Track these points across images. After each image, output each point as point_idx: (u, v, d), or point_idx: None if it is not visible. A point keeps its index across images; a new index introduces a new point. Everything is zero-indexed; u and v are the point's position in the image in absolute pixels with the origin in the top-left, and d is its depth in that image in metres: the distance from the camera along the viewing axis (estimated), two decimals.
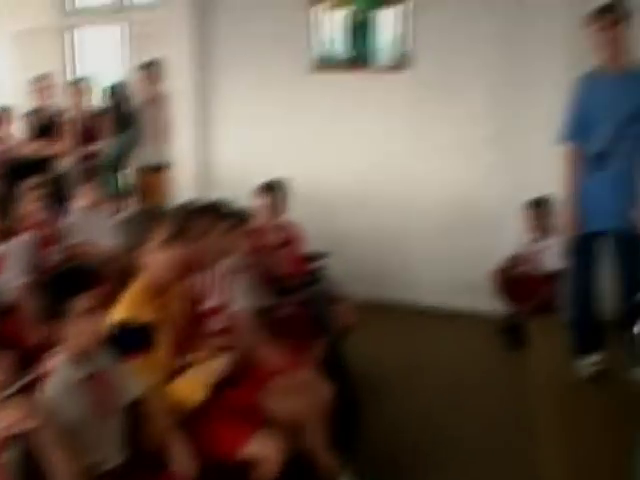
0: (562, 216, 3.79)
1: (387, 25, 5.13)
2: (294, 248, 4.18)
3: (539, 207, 4.75)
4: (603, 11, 3.59)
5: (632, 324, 3.34)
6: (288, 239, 4.17)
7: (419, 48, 5.04)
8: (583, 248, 3.70)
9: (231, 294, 3.11)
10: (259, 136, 5.54)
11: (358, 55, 5.23)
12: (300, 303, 3.64)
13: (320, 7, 5.25)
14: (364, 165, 5.29)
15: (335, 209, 5.39)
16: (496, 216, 4.95)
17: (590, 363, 3.75)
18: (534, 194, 4.77)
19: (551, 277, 4.60)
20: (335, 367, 3.19)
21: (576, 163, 3.67)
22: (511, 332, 4.66)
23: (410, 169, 5.18)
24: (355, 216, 5.35)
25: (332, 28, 5.28)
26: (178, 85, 5.68)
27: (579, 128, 3.64)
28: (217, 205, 3.19)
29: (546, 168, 4.61)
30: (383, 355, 4.40)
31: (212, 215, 3.04)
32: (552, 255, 4.63)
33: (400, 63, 5.13)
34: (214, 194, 5.16)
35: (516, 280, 4.77)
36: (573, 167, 3.68)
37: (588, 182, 3.61)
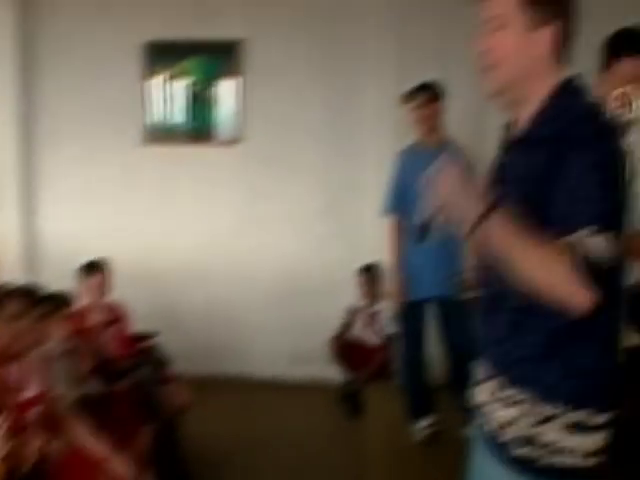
0: (390, 284, 3.92)
1: (224, 98, 5.14)
2: (121, 329, 3.99)
3: (369, 273, 4.89)
4: (419, 90, 3.84)
5: (462, 387, 3.47)
6: (114, 319, 3.98)
7: (252, 122, 5.10)
8: (410, 315, 3.84)
9: (50, 382, 2.89)
10: (88, 212, 5.29)
11: (195, 128, 5.18)
12: (128, 387, 3.45)
13: (157, 77, 5.16)
14: (199, 239, 5.20)
15: (168, 284, 5.23)
16: (331, 284, 5.02)
17: (423, 427, 3.84)
18: (367, 261, 4.92)
19: (384, 343, 4.73)
20: (168, 451, 3.03)
21: (398, 234, 3.83)
22: (349, 400, 4.69)
23: (244, 242, 5.17)
24: (190, 291, 5.23)
25: (169, 99, 5.20)
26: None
27: (399, 201, 3.81)
28: (30, 289, 2.99)
29: (378, 236, 4.80)
30: (224, 432, 4.25)
31: (25, 300, 2.83)
32: (384, 321, 4.76)
33: (235, 137, 5.14)
34: (40, 274, 4.87)
35: (351, 347, 4.85)
36: (396, 238, 3.84)
37: (411, 253, 3.77)
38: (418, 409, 3.88)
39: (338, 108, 5.07)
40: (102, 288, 3.94)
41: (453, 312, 3.73)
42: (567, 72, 1.55)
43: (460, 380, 3.34)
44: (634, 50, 2.37)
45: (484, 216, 1.38)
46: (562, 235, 1.35)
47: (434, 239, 3.73)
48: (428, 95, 3.78)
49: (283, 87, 5.06)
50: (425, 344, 3.96)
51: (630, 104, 2.29)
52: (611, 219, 1.35)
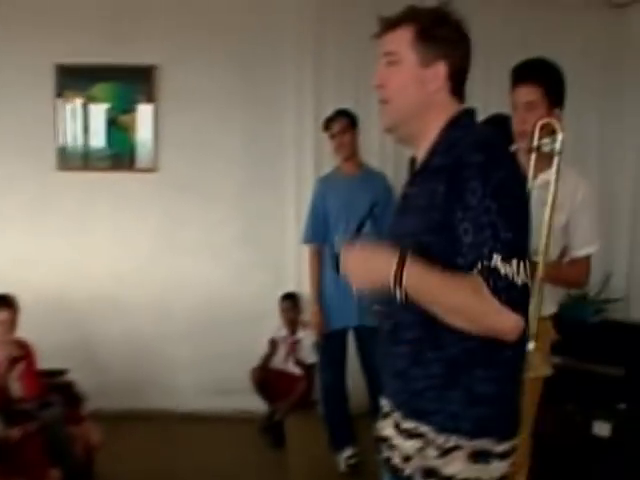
0: (310, 313, 3.88)
1: (141, 124, 5.02)
2: (29, 366, 3.78)
3: (290, 302, 4.85)
4: (335, 117, 3.85)
5: None
6: (21, 357, 3.77)
7: (169, 148, 4.99)
8: (331, 345, 3.81)
9: None
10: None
11: (112, 154, 5.01)
12: (35, 429, 3.28)
13: (71, 102, 4.98)
14: (115, 268, 5.02)
15: (84, 316, 5.02)
16: (252, 313, 4.93)
17: (346, 457, 3.79)
18: (289, 289, 4.88)
19: (306, 372, 4.68)
20: None
21: (318, 263, 3.80)
22: (272, 431, 4.60)
23: (162, 270, 5.02)
24: (106, 322, 5.02)
25: (85, 125, 5.02)
26: None
27: (318, 229, 3.80)
28: None
29: (299, 264, 4.78)
30: (144, 469, 4.09)
31: None
32: (306, 350, 4.72)
33: (152, 163, 5.02)
34: None
35: (272, 377, 4.78)
36: (316, 267, 3.81)
37: (331, 281, 3.75)
38: (341, 439, 3.84)
39: (257, 135, 5.01)
40: (8, 324, 3.74)
41: (373, 340, 3.70)
42: (462, 106, 1.59)
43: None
44: (523, 78, 2.48)
45: (397, 275, 1.41)
46: (474, 264, 1.38)
47: None
48: (344, 122, 3.79)
49: (200, 113, 4.96)
50: (346, 373, 3.93)
51: (554, 135, 2.34)
52: (517, 245, 1.39)
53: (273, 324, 4.91)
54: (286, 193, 5.00)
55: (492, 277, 1.35)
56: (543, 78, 2.46)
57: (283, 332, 4.86)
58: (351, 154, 3.78)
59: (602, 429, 3.19)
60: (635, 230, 5.12)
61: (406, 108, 1.56)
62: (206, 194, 5.00)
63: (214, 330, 4.98)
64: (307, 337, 4.67)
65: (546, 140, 2.37)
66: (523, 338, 1.50)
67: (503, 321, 1.36)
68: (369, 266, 1.48)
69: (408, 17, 1.56)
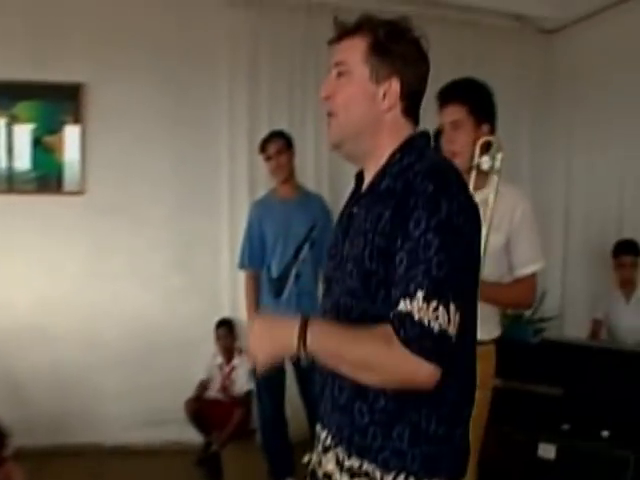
0: (247, 341, 3.75)
1: (67, 145, 4.80)
2: None
3: (226, 328, 4.71)
4: (270, 138, 3.77)
5: None
6: None
7: (97, 171, 4.78)
8: (269, 373, 3.67)
9: None
10: None
11: (37, 176, 4.77)
12: None
13: None
14: (40, 295, 4.77)
15: (7, 346, 4.75)
16: (186, 341, 4.77)
17: None
18: (224, 315, 4.75)
19: (243, 400, 4.54)
20: None
21: (255, 289, 3.70)
22: (208, 462, 4.42)
23: (90, 298, 4.78)
24: (31, 353, 4.75)
25: (10, 145, 4.75)
26: None
27: (255, 254, 3.70)
28: None
29: (234, 290, 4.66)
30: None
31: None
32: (242, 377, 4.59)
33: (78, 186, 4.80)
34: None
35: (208, 407, 4.62)
36: (253, 293, 3.70)
37: (268, 307, 3.65)
38: (281, 469, 3.74)
39: (188, 157, 4.87)
40: None
41: (312, 367, 3.61)
42: (415, 128, 1.51)
43: None
44: (446, 99, 2.50)
45: (301, 337, 1.34)
46: (398, 301, 1.29)
47: (291, 292, 3.69)
48: (280, 143, 3.71)
49: (129, 134, 4.78)
50: (283, 402, 3.83)
51: (493, 154, 2.32)
52: (448, 287, 1.28)
53: (208, 351, 4.76)
54: (219, 217, 4.89)
55: (404, 324, 1.27)
56: (466, 97, 2.46)
57: (218, 360, 4.72)
58: (288, 176, 3.71)
59: (547, 451, 3.16)
60: (567, 249, 5.22)
61: (353, 124, 1.47)
62: (136, 218, 4.82)
63: (146, 359, 4.79)
64: (243, 364, 4.55)
65: (485, 158, 2.37)
66: (470, 379, 1.45)
67: (414, 372, 1.28)
68: (272, 335, 1.41)
69: (364, 27, 1.46)
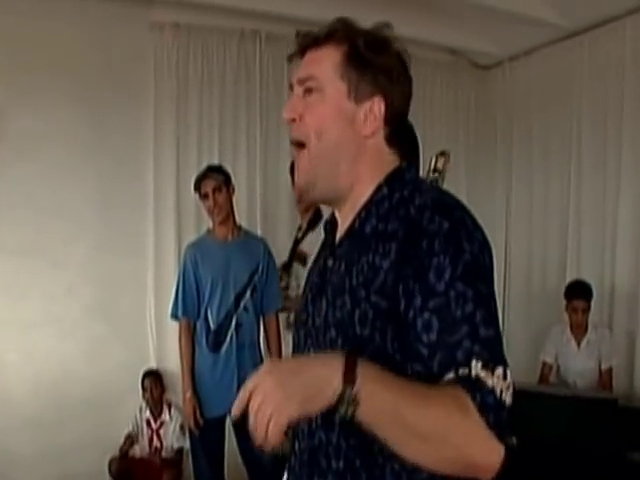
0: (182, 399, 3.38)
1: None
2: None
3: (153, 380, 4.31)
4: (205, 175, 3.44)
5: None
6: None
7: (7, 204, 4.27)
8: (206, 435, 3.34)
9: None
10: None
11: None
12: None
13: None
14: None
15: None
16: (109, 394, 4.32)
17: None
18: (151, 366, 4.35)
19: (173, 461, 4.15)
20: None
21: (190, 341, 3.34)
22: None
23: (1, 349, 4.26)
24: None
25: None
26: None
27: (190, 302, 3.35)
28: None
29: (163, 338, 4.29)
30: None
31: None
32: (172, 435, 4.20)
33: None
34: None
35: (135, 467, 4.19)
36: (189, 346, 3.35)
37: (205, 362, 3.31)
38: None
39: (110, 191, 4.42)
40: None
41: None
42: (400, 158, 1.23)
43: None
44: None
45: (348, 381, 0.93)
46: (442, 373, 1.00)
47: (231, 345, 3.35)
48: (218, 180, 3.38)
49: (45, 165, 4.28)
50: (221, 463, 3.48)
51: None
52: (500, 346, 1.04)
53: (133, 406, 4.34)
54: (144, 258, 4.49)
55: (478, 390, 0.97)
56: None
57: (146, 414, 4.30)
58: (226, 216, 3.38)
59: None
60: (508, 288, 5.13)
61: (327, 153, 1.17)
62: (52, 259, 4.32)
63: (63, 416, 4.28)
64: (174, 419, 4.17)
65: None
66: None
67: (487, 453, 0.98)
68: (302, 381, 0.94)
69: (338, 33, 1.17)
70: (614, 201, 4.36)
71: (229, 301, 3.31)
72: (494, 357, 1.00)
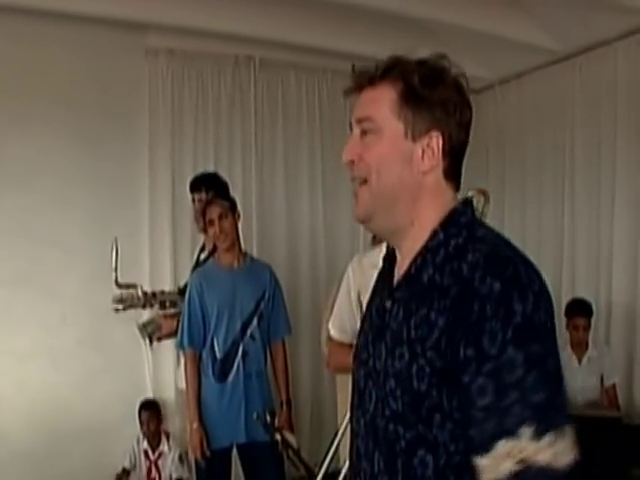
0: (189, 432, 3.29)
1: None
2: None
3: (150, 411, 4.21)
4: (210, 202, 3.39)
5: None
6: None
7: (2, 235, 4.19)
8: (213, 468, 3.25)
9: None
10: None
11: None
12: None
13: None
14: None
15: None
16: (105, 425, 4.22)
17: None
18: (148, 396, 4.27)
19: None
20: None
21: (197, 371, 3.27)
22: None
23: None
24: None
25: None
26: None
27: (196, 331, 3.28)
28: None
29: (159, 367, 4.22)
30: None
31: None
32: (171, 465, 4.11)
33: None
34: None
35: None
36: (195, 376, 3.26)
37: (211, 392, 3.24)
38: None
39: (105, 219, 4.35)
40: None
41: (264, 459, 3.22)
42: (456, 194, 1.22)
43: None
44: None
45: None
46: (492, 441, 1.00)
47: (238, 374, 3.28)
48: (224, 206, 3.33)
49: (37, 192, 4.21)
50: None
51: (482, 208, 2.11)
52: (552, 410, 1.01)
53: (128, 437, 4.25)
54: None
55: (517, 464, 0.98)
56: None
57: (144, 445, 4.20)
58: (232, 243, 3.32)
59: None
60: None
61: (387, 192, 1.18)
62: (45, 289, 4.23)
63: (57, 448, 4.17)
64: (172, 449, 4.09)
65: None
66: None
67: None
68: None
69: (392, 71, 1.18)
70: (609, 220, 4.39)
71: (236, 329, 3.25)
72: (544, 422, 0.99)
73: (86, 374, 4.30)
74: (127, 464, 4.21)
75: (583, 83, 4.56)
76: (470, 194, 2.21)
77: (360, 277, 2.34)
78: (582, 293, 4.38)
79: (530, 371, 1.00)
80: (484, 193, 2.15)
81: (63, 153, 4.30)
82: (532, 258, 3.97)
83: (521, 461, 0.98)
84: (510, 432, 0.99)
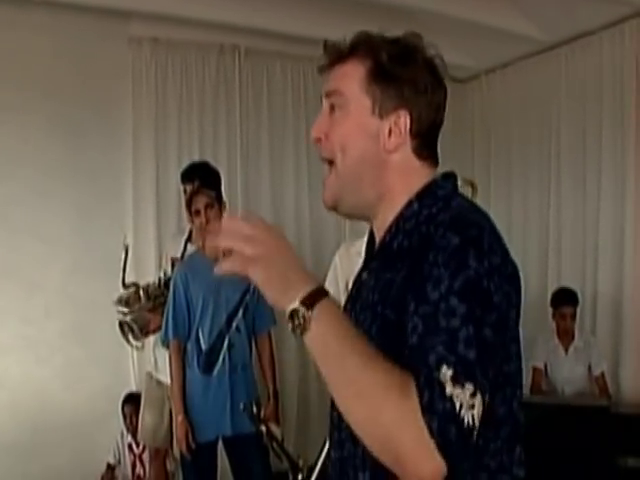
0: (174, 422, 3.26)
1: None
2: None
3: (133, 404, 4.15)
4: (197, 192, 3.35)
5: None
6: None
7: None
8: (199, 461, 3.22)
9: None
10: None
11: None
12: None
13: None
14: None
15: None
16: (88, 418, 4.18)
17: None
18: (132, 390, 4.23)
19: None
20: None
21: (181, 363, 3.23)
22: None
23: None
24: None
25: None
26: None
27: (180, 323, 3.23)
28: None
29: (143, 360, 4.16)
30: None
31: None
32: None
33: None
34: None
35: None
36: (180, 368, 3.22)
37: (196, 385, 3.20)
38: None
39: (87, 212, 4.31)
40: None
41: (249, 451, 3.19)
42: (434, 169, 1.20)
43: None
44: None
45: (308, 302, 0.97)
46: (415, 373, 0.95)
47: (223, 367, 3.25)
48: (211, 196, 3.30)
49: (18, 184, 4.15)
50: None
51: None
52: (478, 371, 0.95)
53: (113, 431, 4.21)
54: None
55: (431, 391, 0.93)
56: None
57: (128, 439, 4.16)
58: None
59: None
60: None
61: (352, 170, 1.17)
62: (27, 281, 4.18)
63: (40, 443, 4.12)
64: None
65: None
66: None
67: (419, 458, 0.92)
68: (282, 271, 1.00)
69: (362, 47, 1.17)
70: (595, 210, 4.41)
71: (221, 321, 3.21)
72: (468, 376, 0.93)
73: (69, 367, 4.25)
74: (111, 459, 4.17)
75: (569, 73, 4.56)
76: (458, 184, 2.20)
77: (347, 265, 2.33)
78: (568, 283, 4.39)
79: (467, 325, 0.95)
80: (472, 184, 2.13)
81: (44, 143, 4.23)
82: (518, 247, 3.96)
83: (439, 381, 0.93)
84: (430, 366, 0.93)
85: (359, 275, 1.24)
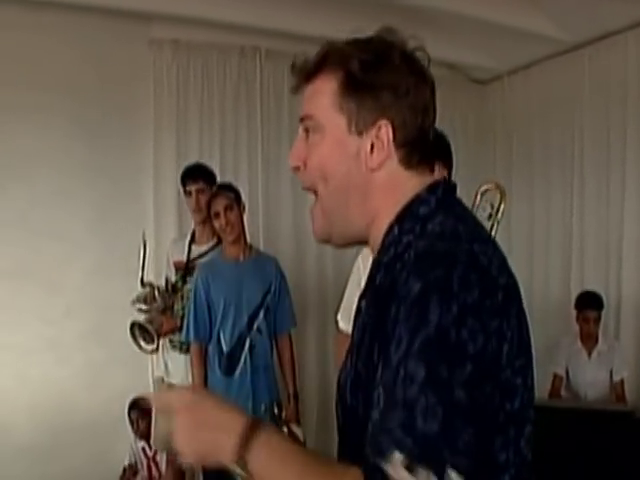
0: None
1: None
2: None
3: (139, 412, 4.12)
4: (216, 194, 3.35)
5: None
6: None
7: (2, 228, 4.12)
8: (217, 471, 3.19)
9: None
10: None
11: None
12: None
13: None
14: None
15: None
16: (108, 422, 4.18)
17: None
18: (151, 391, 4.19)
19: None
20: None
21: (203, 365, 3.23)
22: None
23: None
24: None
25: None
26: None
27: (202, 324, 3.24)
28: None
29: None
30: None
31: None
32: None
33: None
34: None
35: None
36: (201, 370, 3.23)
37: (218, 386, 3.21)
38: None
39: (109, 213, 4.32)
40: None
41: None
42: (426, 178, 1.08)
43: None
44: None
45: (243, 450, 0.92)
46: (369, 456, 0.87)
47: (244, 369, 3.24)
48: (230, 198, 3.29)
49: (37, 184, 4.15)
50: None
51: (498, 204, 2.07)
52: (443, 445, 0.83)
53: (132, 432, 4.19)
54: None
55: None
56: None
57: (141, 443, 4.13)
58: (238, 235, 3.28)
59: None
60: None
61: (336, 199, 1.07)
62: (47, 282, 4.18)
63: (60, 444, 4.12)
64: None
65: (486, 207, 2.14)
66: None
67: None
68: (201, 437, 0.96)
69: (330, 60, 1.05)
70: (618, 212, 4.35)
71: (242, 323, 3.21)
72: (423, 455, 0.82)
73: (90, 368, 4.25)
74: (127, 463, 4.15)
75: (592, 73, 4.50)
76: (484, 188, 2.17)
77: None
78: (591, 286, 4.33)
79: (426, 393, 0.83)
80: (500, 190, 2.09)
81: (66, 145, 4.24)
82: (541, 250, 3.91)
83: (381, 472, 0.84)
84: (382, 454, 0.84)
85: (359, 301, 1.11)
